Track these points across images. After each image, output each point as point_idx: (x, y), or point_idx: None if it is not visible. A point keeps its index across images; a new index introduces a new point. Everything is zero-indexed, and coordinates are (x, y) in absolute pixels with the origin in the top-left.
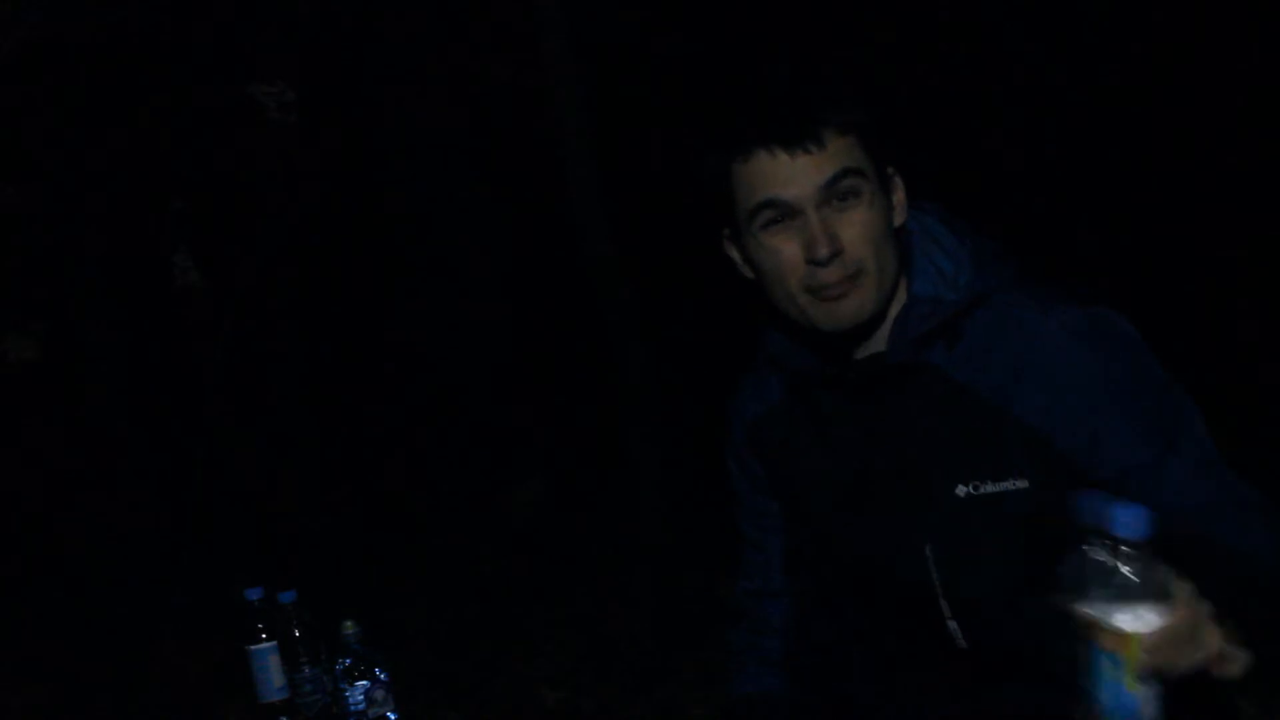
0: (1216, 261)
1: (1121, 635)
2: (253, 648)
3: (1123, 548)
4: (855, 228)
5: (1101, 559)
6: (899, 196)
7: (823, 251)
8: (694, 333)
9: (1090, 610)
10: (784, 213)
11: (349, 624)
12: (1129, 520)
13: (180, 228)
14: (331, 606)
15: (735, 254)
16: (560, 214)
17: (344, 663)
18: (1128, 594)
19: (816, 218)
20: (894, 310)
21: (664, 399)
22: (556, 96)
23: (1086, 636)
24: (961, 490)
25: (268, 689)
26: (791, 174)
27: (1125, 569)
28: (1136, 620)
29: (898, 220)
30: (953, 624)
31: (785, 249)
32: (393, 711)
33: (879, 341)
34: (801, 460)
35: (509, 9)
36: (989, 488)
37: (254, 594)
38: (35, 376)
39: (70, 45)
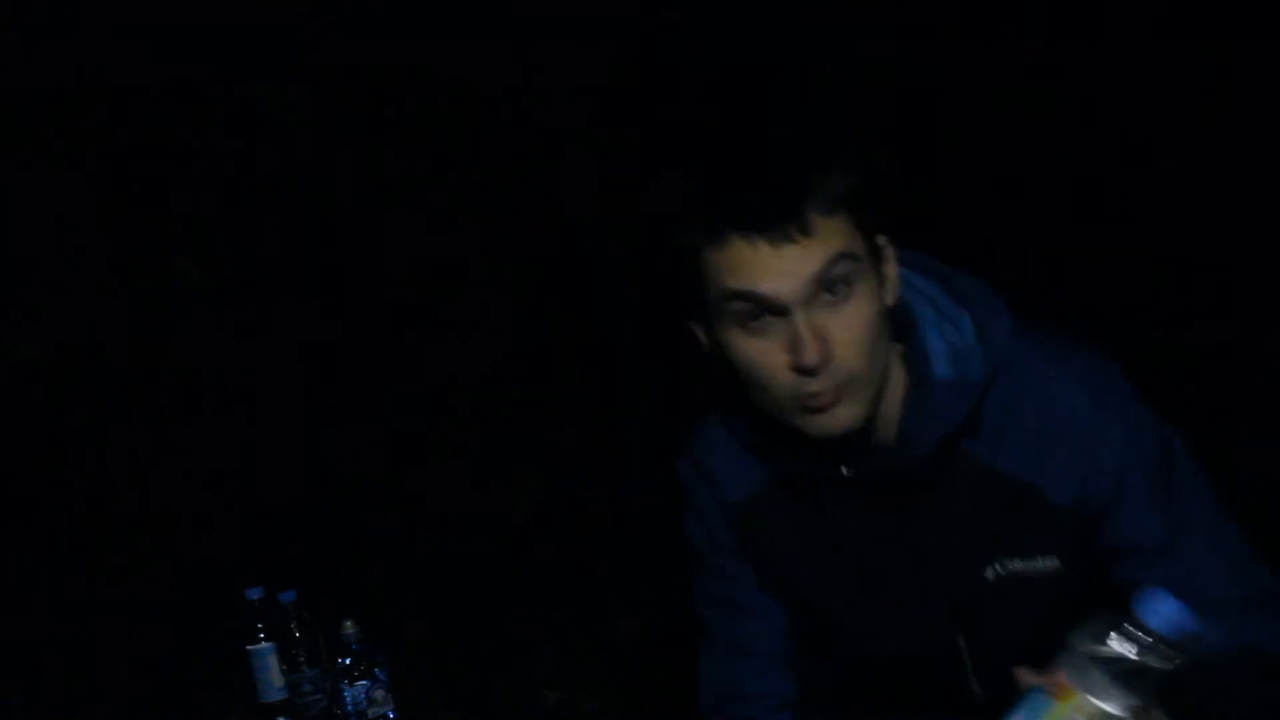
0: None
1: (1079, 701)
2: (252, 648)
3: (1147, 636)
4: (848, 329)
5: (1123, 641)
6: (890, 269)
7: (811, 359)
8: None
9: (1078, 669)
10: (764, 309)
11: (349, 624)
12: (1164, 613)
13: (180, 228)
14: (331, 606)
15: (702, 336)
16: (560, 212)
17: (344, 663)
18: (1121, 678)
19: (804, 317)
20: (895, 395)
21: (664, 399)
22: (556, 96)
23: (1049, 683)
24: (990, 573)
25: (267, 689)
26: (774, 266)
27: (1140, 655)
28: (1107, 699)
29: (890, 299)
30: (975, 679)
31: (766, 355)
32: (393, 711)
33: (881, 431)
34: (797, 550)
35: (510, 9)
36: (1017, 565)
37: (254, 594)
38: (35, 376)
39: (71, 45)
